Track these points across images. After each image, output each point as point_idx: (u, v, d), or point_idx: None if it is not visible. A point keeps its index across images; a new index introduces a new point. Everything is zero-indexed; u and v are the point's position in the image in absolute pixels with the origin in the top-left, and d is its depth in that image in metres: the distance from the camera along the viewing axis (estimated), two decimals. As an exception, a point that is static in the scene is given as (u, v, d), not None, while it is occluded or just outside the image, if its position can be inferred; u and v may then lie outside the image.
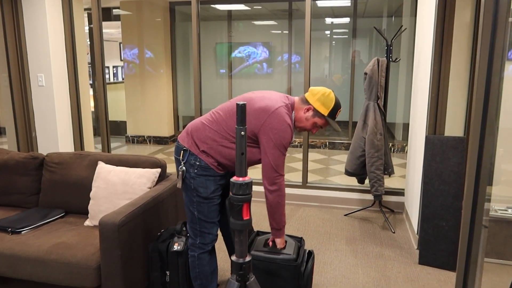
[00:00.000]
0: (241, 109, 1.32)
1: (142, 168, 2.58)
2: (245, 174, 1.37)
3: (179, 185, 2.03)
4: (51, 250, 2.12)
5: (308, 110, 2.04)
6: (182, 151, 2.04)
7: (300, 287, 2.03)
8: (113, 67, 10.73)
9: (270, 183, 1.97)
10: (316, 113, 2.04)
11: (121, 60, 10.74)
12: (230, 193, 1.39)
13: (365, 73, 3.41)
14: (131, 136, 7.08)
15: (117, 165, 2.62)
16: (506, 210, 2.85)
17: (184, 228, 2.28)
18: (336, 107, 2.05)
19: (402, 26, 3.52)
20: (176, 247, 2.16)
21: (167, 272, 2.20)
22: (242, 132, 1.33)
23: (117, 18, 7.07)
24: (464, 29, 3.31)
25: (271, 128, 1.92)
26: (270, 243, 2.11)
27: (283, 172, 1.99)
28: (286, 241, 2.14)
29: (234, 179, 1.37)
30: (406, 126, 6.38)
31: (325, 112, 2.03)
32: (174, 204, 2.55)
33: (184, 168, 2.02)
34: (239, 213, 1.38)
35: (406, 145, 6.32)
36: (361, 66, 6.66)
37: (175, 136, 7.20)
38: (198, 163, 2.01)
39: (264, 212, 3.73)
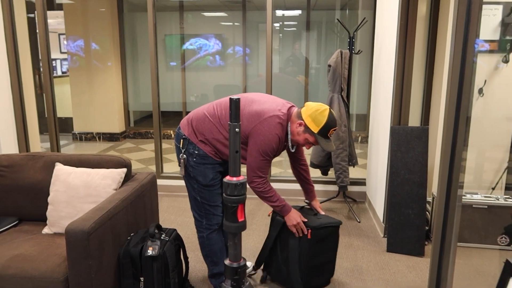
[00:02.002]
0: (235, 105, 1.23)
1: (105, 168, 2.40)
2: (239, 174, 1.30)
3: (181, 172, 2.11)
4: (9, 264, 1.90)
5: (300, 125, 2.00)
6: (182, 139, 2.11)
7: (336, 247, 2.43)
8: (52, 60, 10.07)
9: (249, 181, 2.09)
10: (307, 129, 1.99)
11: (61, 52, 10.10)
12: (224, 194, 1.30)
13: (329, 65, 3.43)
14: (78, 133, 6.67)
15: (77, 166, 2.42)
16: (465, 196, 3.00)
17: (157, 231, 2.15)
18: (328, 125, 1.96)
19: (364, 18, 3.58)
20: (150, 251, 2.03)
21: (141, 279, 2.06)
22: (236, 129, 1.24)
23: (59, 7, 6.58)
24: (420, 22, 3.43)
25: (259, 133, 1.95)
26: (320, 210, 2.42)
27: (264, 175, 2.05)
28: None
29: (227, 179, 1.29)
30: (359, 117, 6.56)
31: (315, 129, 1.97)
32: (143, 205, 2.41)
33: (185, 156, 2.08)
34: (234, 215, 1.30)
35: (360, 135, 6.51)
36: (313, 59, 6.73)
37: (126, 132, 6.88)
38: (196, 152, 2.07)
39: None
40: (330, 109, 2.00)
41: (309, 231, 2.21)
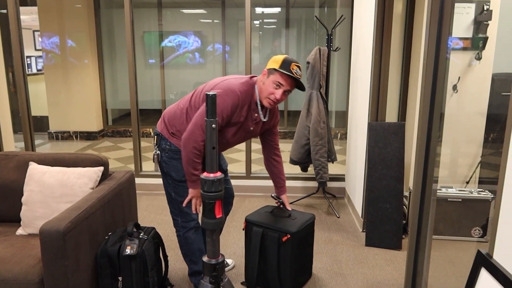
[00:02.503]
0: (211, 100, 1.23)
1: (82, 167, 2.35)
2: (217, 170, 1.29)
3: (156, 168, 2.15)
4: (-19, 266, 1.85)
5: (263, 75, 2.03)
6: (156, 136, 2.14)
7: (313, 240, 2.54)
8: (26, 57, 9.82)
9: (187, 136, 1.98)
10: (270, 71, 1.99)
11: (36, 49, 9.85)
12: (201, 191, 1.29)
13: (308, 62, 3.45)
14: (54, 132, 6.52)
15: (52, 165, 2.37)
16: (440, 189, 3.07)
17: (135, 230, 2.13)
18: (288, 59, 1.98)
19: (342, 15, 3.61)
20: (129, 250, 2.00)
21: (119, 278, 2.04)
22: (213, 125, 1.24)
23: (33, 3, 6.41)
24: (396, 20, 3.48)
25: (218, 89, 1.96)
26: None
27: (202, 138, 1.96)
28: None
29: (204, 175, 1.28)
30: (339, 114, 6.63)
31: (276, 66, 1.97)
32: (121, 204, 2.37)
33: (158, 152, 2.12)
34: (212, 211, 1.29)
35: (339, 132, 6.58)
36: (292, 56, 6.76)
37: (105, 131, 6.77)
38: (168, 147, 2.09)
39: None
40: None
41: (288, 236, 2.21)
